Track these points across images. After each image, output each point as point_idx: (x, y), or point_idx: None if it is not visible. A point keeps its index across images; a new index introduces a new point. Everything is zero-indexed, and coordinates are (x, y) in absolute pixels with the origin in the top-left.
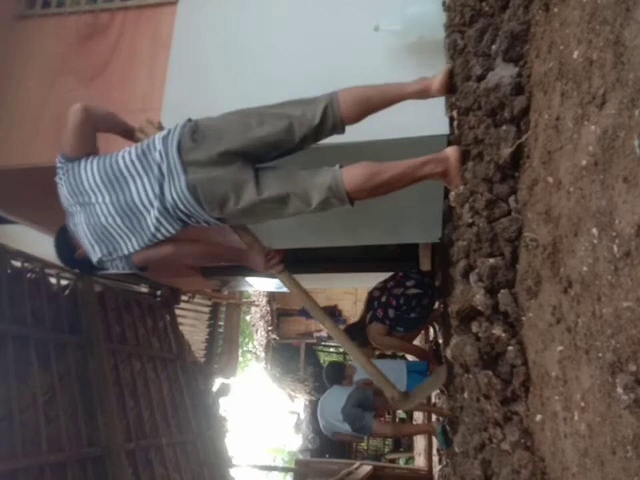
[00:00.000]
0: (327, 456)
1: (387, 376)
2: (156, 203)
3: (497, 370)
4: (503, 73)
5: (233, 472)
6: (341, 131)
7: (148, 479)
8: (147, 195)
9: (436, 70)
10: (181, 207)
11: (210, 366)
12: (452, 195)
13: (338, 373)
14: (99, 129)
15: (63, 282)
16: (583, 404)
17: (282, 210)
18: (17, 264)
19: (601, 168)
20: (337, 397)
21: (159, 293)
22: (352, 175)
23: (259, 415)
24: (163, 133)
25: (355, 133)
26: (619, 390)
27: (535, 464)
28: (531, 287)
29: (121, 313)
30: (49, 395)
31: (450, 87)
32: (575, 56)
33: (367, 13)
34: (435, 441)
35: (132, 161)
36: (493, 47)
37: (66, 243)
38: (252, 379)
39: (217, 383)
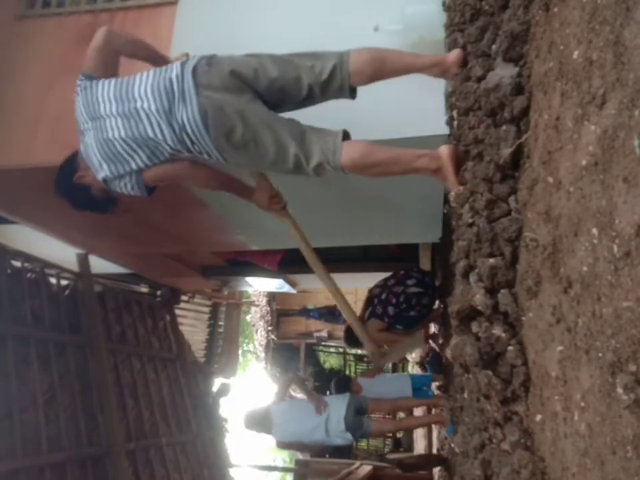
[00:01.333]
0: (327, 456)
1: (391, 390)
2: (164, 118)
3: (497, 370)
4: (503, 72)
5: (232, 472)
6: (348, 93)
7: (148, 478)
8: (157, 109)
9: None
10: (189, 129)
11: (210, 366)
12: (452, 194)
13: (347, 384)
14: (122, 52)
15: (63, 282)
16: (583, 404)
17: (282, 158)
18: (17, 264)
19: (601, 168)
20: (334, 412)
21: (158, 292)
22: (350, 149)
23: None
24: (183, 59)
25: (355, 133)
26: (619, 390)
27: (534, 464)
28: (530, 287)
29: (121, 313)
30: (48, 395)
31: (465, 65)
32: (575, 56)
33: (367, 13)
34: (435, 441)
35: (147, 78)
36: (493, 46)
37: (70, 166)
38: (252, 379)
39: (217, 382)
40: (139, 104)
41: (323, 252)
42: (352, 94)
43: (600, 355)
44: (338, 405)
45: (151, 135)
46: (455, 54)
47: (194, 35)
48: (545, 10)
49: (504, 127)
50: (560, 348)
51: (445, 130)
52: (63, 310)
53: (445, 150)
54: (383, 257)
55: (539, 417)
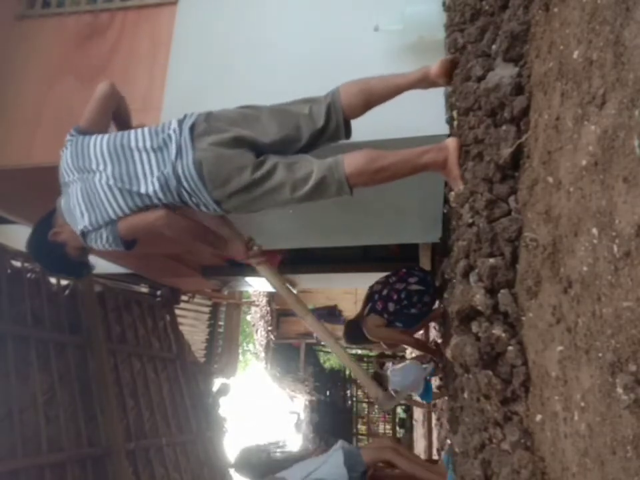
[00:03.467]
0: None
1: (409, 379)
2: (156, 174)
3: (497, 370)
4: (503, 72)
5: (232, 472)
6: (345, 132)
7: (148, 478)
8: (150, 167)
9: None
10: (185, 183)
11: (210, 366)
12: (452, 194)
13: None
14: (118, 109)
15: (63, 282)
16: (583, 404)
17: (279, 193)
18: (17, 264)
19: (601, 168)
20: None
21: (158, 293)
22: (353, 157)
23: (259, 415)
24: (180, 117)
25: (355, 133)
26: (619, 390)
27: (534, 464)
28: (530, 287)
29: (121, 313)
30: (48, 395)
31: (451, 74)
32: (575, 56)
33: (367, 13)
34: (435, 441)
35: (143, 136)
36: (493, 46)
37: (46, 224)
38: (252, 378)
39: (217, 383)
40: (136, 157)
41: (323, 252)
42: (347, 132)
43: (600, 354)
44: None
45: (142, 190)
46: (438, 65)
47: (194, 35)
48: (545, 10)
49: (504, 127)
50: (560, 348)
51: (445, 130)
52: (63, 310)
53: (451, 142)
54: (383, 257)
55: (539, 417)
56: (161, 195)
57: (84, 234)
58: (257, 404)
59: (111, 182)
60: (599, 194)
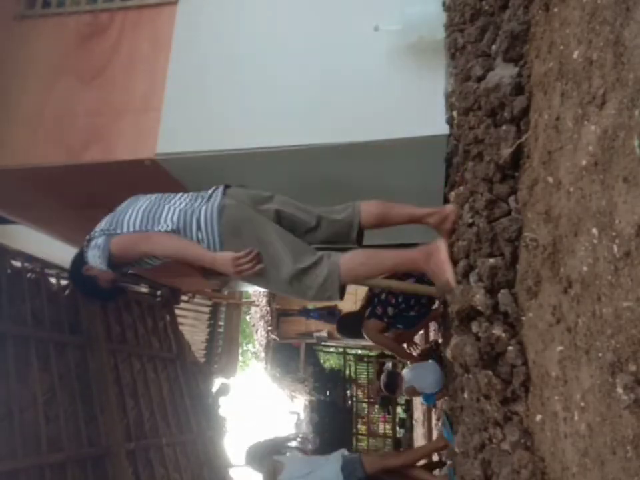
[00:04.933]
0: None
1: (426, 376)
2: (178, 211)
3: (497, 370)
4: (503, 72)
5: (232, 472)
6: (355, 235)
7: (148, 478)
8: (175, 208)
9: (435, 69)
10: (202, 217)
11: (210, 366)
12: (452, 194)
13: (395, 382)
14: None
15: (63, 282)
16: (583, 404)
17: (277, 273)
18: (17, 264)
19: (601, 168)
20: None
21: (158, 293)
22: (350, 266)
23: (259, 414)
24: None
25: (355, 133)
26: (619, 390)
27: (534, 464)
28: (531, 287)
29: (121, 313)
30: (48, 395)
31: (454, 229)
32: (575, 56)
33: (367, 13)
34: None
35: (181, 198)
36: (493, 46)
37: (80, 260)
38: (252, 378)
39: (217, 382)
40: (165, 207)
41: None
42: (359, 238)
43: (600, 354)
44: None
45: (161, 228)
46: (452, 206)
47: (194, 35)
48: (545, 10)
49: (504, 127)
50: (560, 348)
51: (445, 130)
52: (63, 310)
53: (439, 246)
54: None
55: (539, 417)
56: (175, 223)
57: (90, 240)
58: (257, 404)
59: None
60: (599, 194)
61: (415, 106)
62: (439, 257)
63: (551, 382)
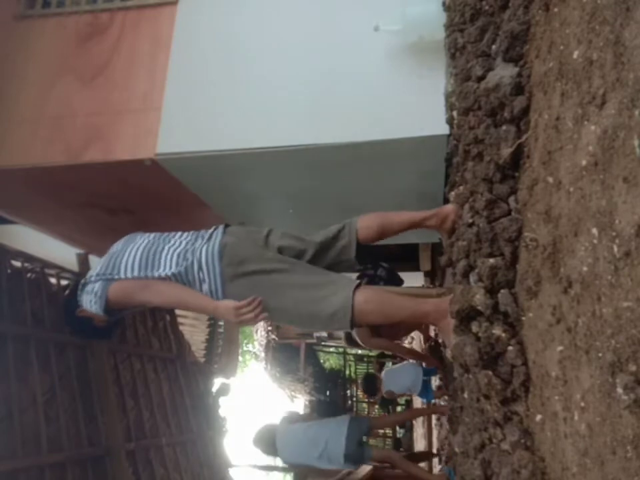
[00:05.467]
0: None
1: (404, 380)
2: (182, 253)
3: (497, 370)
4: (503, 72)
5: (232, 472)
6: (354, 252)
7: (148, 479)
8: (176, 250)
9: (435, 69)
10: (203, 258)
11: (210, 366)
12: (452, 194)
13: (374, 383)
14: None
15: (63, 282)
16: (583, 404)
17: (284, 304)
18: (17, 264)
19: (601, 168)
20: (334, 443)
21: None
22: (363, 309)
23: (259, 414)
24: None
25: (355, 133)
26: (619, 390)
27: (534, 464)
28: (531, 287)
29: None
30: (48, 395)
31: (453, 229)
32: (575, 56)
33: (367, 13)
34: (435, 440)
35: (180, 238)
36: (493, 46)
37: (73, 302)
38: (252, 378)
39: (217, 382)
40: (165, 251)
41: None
42: (360, 255)
43: (600, 354)
44: (337, 435)
45: (161, 271)
46: (451, 206)
47: (194, 35)
48: (545, 10)
49: (504, 127)
50: (560, 348)
51: (445, 130)
52: (63, 310)
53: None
54: (383, 257)
55: (539, 417)
56: (173, 266)
57: (85, 284)
58: (257, 404)
59: (138, 246)
60: (599, 194)
61: (414, 106)
62: (450, 320)
63: (551, 382)
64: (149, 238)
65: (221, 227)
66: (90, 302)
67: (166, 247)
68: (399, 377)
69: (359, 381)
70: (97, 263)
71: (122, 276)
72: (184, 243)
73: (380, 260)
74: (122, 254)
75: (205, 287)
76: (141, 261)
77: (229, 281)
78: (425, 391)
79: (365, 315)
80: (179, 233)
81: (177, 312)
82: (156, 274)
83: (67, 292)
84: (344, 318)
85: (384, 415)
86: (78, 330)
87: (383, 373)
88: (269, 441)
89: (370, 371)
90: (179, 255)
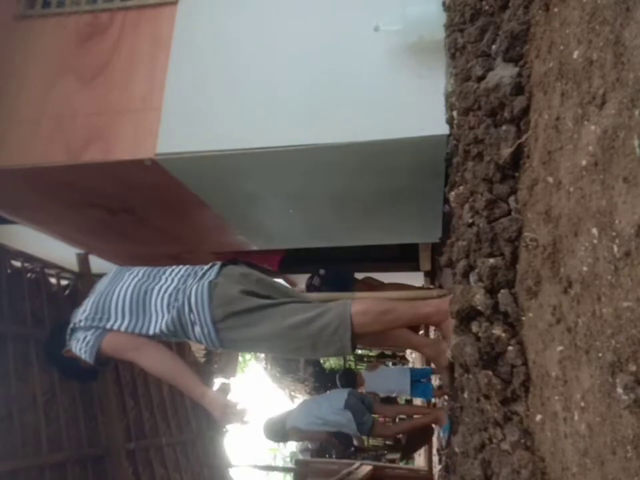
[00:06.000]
0: (327, 456)
1: (391, 383)
2: (174, 293)
3: (497, 370)
4: (503, 72)
5: (232, 472)
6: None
7: (148, 479)
8: (167, 288)
9: (435, 69)
10: (192, 298)
11: (210, 366)
12: (452, 194)
13: (352, 378)
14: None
15: (63, 282)
16: (583, 404)
17: (278, 335)
18: (17, 264)
19: (601, 168)
20: (337, 396)
21: None
22: (362, 321)
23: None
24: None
25: (355, 133)
26: (619, 390)
27: (534, 464)
28: (531, 287)
29: None
30: (48, 395)
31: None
32: (575, 56)
33: (367, 13)
34: (434, 441)
35: (172, 275)
36: (493, 46)
37: (59, 339)
38: (252, 378)
39: (217, 383)
40: (154, 295)
41: (323, 252)
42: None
43: (600, 354)
44: (340, 392)
45: (152, 322)
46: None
47: (194, 35)
48: (545, 10)
49: (504, 127)
50: (560, 348)
51: (445, 130)
52: (63, 310)
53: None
54: (383, 257)
55: (539, 417)
56: (165, 312)
57: (74, 330)
58: (257, 404)
59: (129, 294)
60: (599, 194)
61: (414, 106)
62: (450, 322)
63: (551, 382)
64: (138, 275)
65: (216, 266)
66: (80, 350)
67: (156, 287)
68: (382, 379)
69: (337, 376)
70: (83, 304)
71: (113, 324)
72: (175, 280)
73: (318, 266)
74: (111, 295)
75: (197, 329)
76: (132, 304)
77: (220, 322)
78: (424, 390)
79: (365, 325)
80: (171, 269)
81: None
82: (150, 332)
83: (47, 335)
84: (344, 333)
85: (386, 421)
86: (62, 370)
87: (364, 373)
88: (279, 427)
89: (348, 366)
90: (170, 295)
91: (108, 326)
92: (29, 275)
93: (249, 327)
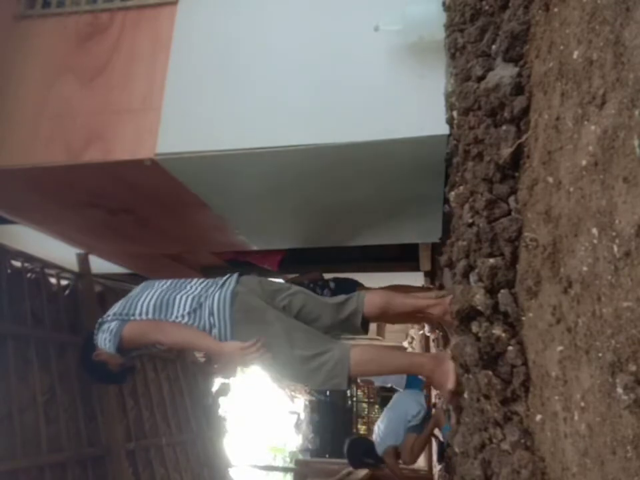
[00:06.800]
0: (327, 456)
1: (388, 376)
2: (197, 299)
3: (497, 370)
4: (503, 72)
5: (232, 472)
6: (363, 328)
7: (148, 479)
8: (188, 297)
9: (435, 69)
10: (215, 304)
11: (210, 366)
12: (452, 194)
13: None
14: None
15: (63, 282)
16: (583, 404)
17: (284, 358)
18: (17, 264)
19: (601, 168)
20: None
21: None
22: (359, 361)
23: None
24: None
25: (355, 133)
26: (619, 390)
27: (534, 464)
28: (531, 287)
29: None
30: (48, 395)
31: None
32: (575, 56)
33: (367, 13)
34: (434, 440)
35: (196, 284)
36: (493, 46)
37: (90, 345)
38: (252, 379)
39: (217, 383)
40: (177, 297)
41: (323, 252)
42: (364, 326)
43: (600, 354)
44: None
45: (175, 312)
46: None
47: (194, 35)
48: (545, 10)
49: (504, 127)
50: (560, 348)
51: (445, 130)
52: (63, 310)
53: (448, 354)
54: (383, 257)
55: (538, 417)
56: (187, 308)
57: (101, 323)
58: (257, 404)
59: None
60: (599, 194)
61: (415, 106)
62: (445, 367)
63: (551, 382)
64: (166, 284)
65: (235, 276)
66: (105, 340)
67: (181, 293)
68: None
69: None
70: (115, 305)
71: (136, 316)
72: (198, 289)
73: (328, 280)
74: (139, 297)
75: (215, 331)
76: (156, 303)
77: (237, 324)
78: (417, 382)
79: (361, 365)
80: (194, 280)
81: None
82: (170, 319)
83: (83, 339)
84: (341, 372)
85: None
86: (93, 374)
87: None
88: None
89: None
90: (192, 299)
91: (132, 318)
92: (29, 275)
93: (262, 331)
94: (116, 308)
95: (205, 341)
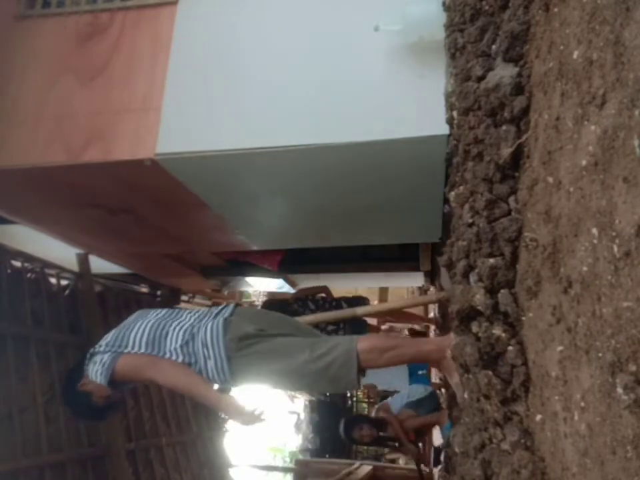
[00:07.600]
0: (327, 456)
1: (390, 377)
2: (189, 330)
3: (497, 370)
4: (503, 72)
5: (232, 472)
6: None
7: (148, 479)
8: (184, 324)
9: (435, 69)
10: (208, 334)
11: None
12: (452, 194)
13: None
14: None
15: (63, 282)
16: (583, 404)
17: (288, 370)
18: (17, 264)
19: (601, 168)
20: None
21: (159, 292)
22: (368, 356)
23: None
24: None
25: (355, 133)
26: (619, 390)
27: (534, 464)
28: (531, 287)
29: (121, 313)
30: (48, 395)
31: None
32: (575, 56)
33: (367, 13)
34: (434, 441)
35: (190, 314)
36: (493, 46)
37: (77, 374)
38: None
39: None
40: (173, 325)
41: (323, 252)
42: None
43: (600, 354)
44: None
45: (168, 344)
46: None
47: (194, 35)
48: (545, 10)
49: (504, 127)
50: (560, 348)
51: (445, 130)
52: (63, 310)
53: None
54: (383, 257)
55: (538, 417)
56: (180, 340)
57: (93, 354)
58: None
59: (146, 326)
60: (599, 194)
61: (414, 106)
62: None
63: (551, 382)
64: (159, 314)
65: (230, 306)
66: (96, 372)
67: (174, 324)
68: (382, 372)
69: None
70: (106, 335)
71: (129, 349)
72: (192, 319)
73: (340, 300)
74: (132, 328)
75: (211, 363)
76: (149, 337)
77: (233, 353)
78: (422, 381)
79: (370, 361)
80: (188, 311)
81: None
82: (166, 355)
83: (68, 369)
84: (352, 367)
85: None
86: (73, 405)
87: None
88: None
89: None
90: (185, 331)
91: (125, 351)
92: (29, 275)
93: (260, 361)
94: (109, 338)
95: (203, 391)
